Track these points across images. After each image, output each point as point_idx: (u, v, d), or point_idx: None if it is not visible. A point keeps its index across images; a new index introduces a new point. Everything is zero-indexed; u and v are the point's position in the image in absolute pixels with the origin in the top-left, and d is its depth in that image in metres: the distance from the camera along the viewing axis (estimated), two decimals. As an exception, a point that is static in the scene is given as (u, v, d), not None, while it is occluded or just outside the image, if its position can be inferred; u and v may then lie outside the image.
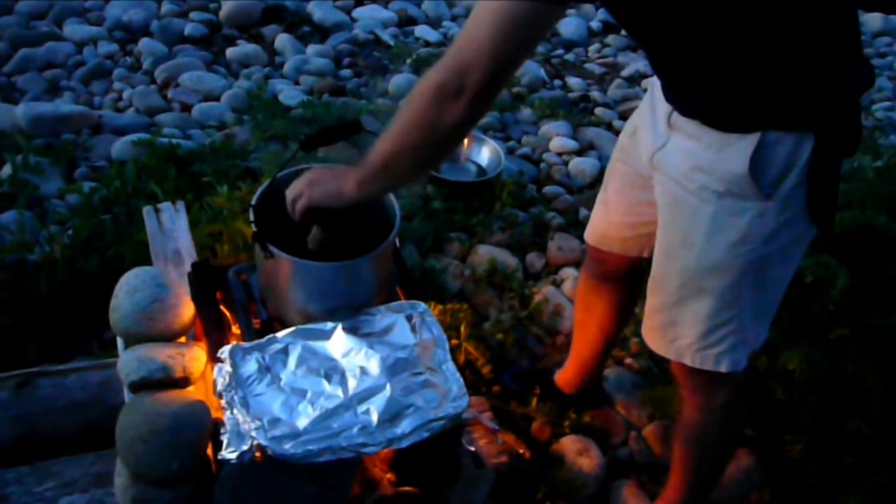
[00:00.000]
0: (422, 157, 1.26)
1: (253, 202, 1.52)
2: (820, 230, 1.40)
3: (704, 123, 1.34)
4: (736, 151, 1.29)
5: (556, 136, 3.48)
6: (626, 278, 1.91)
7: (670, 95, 1.42)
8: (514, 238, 2.84)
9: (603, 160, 3.29)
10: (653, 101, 1.52)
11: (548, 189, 3.16)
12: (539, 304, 2.54)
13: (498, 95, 1.19)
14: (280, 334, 1.52)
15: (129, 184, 2.76)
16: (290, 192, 1.44)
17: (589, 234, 1.88)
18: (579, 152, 3.42)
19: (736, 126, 1.29)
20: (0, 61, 3.89)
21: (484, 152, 3.16)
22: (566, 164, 3.34)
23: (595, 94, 4.04)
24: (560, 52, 4.54)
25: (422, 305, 1.62)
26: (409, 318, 1.58)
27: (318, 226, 1.53)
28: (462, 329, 2.21)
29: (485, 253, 2.71)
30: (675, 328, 1.52)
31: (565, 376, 2.22)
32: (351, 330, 1.53)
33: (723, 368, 1.50)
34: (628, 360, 2.43)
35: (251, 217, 1.50)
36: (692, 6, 1.16)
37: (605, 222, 1.81)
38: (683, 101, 1.39)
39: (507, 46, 1.11)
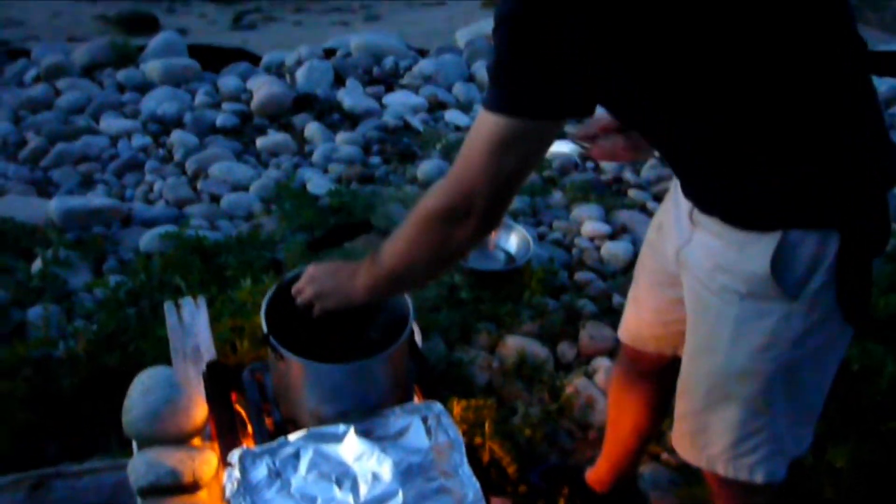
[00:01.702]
0: (431, 271, 1.29)
1: (263, 306, 1.54)
2: (856, 329, 1.35)
3: (724, 221, 1.31)
4: (757, 251, 1.26)
5: (588, 220, 3.49)
6: (662, 376, 1.86)
7: (688, 191, 1.41)
8: (545, 327, 2.82)
9: (637, 244, 3.28)
10: (676, 195, 1.51)
11: (579, 275, 3.15)
12: (570, 396, 2.50)
13: (507, 209, 1.21)
14: (292, 437, 1.51)
15: (154, 277, 2.81)
16: (297, 294, 1.46)
17: (622, 332, 1.85)
18: (612, 236, 3.41)
19: (756, 224, 1.26)
20: (37, 156, 4.06)
21: (513, 239, 3.17)
22: (598, 248, 3.33)
23: (628, 175, 4.06)
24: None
25: (438, 406, 1.60)
26: (424, 420, 1.56)
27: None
28: (486, 426, 2.18)
29: (513, 344, 2.69)
30: (706, 435, 1.47)
31: (597, 474, 2.16)
32: (364, 433, 1.52)
33: (758, 479, 1.44)
34: (665, 457, 2.36)
35: (262, 319, 1.52)
36: (692, 104, 1.17)
37: (637, 320, 1.78)
38: (701, 197, 1.37)
39: (507, 166, 1.13)
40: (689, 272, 1.44)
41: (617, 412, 2.02)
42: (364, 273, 1.36)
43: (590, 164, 4.20)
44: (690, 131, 1.22)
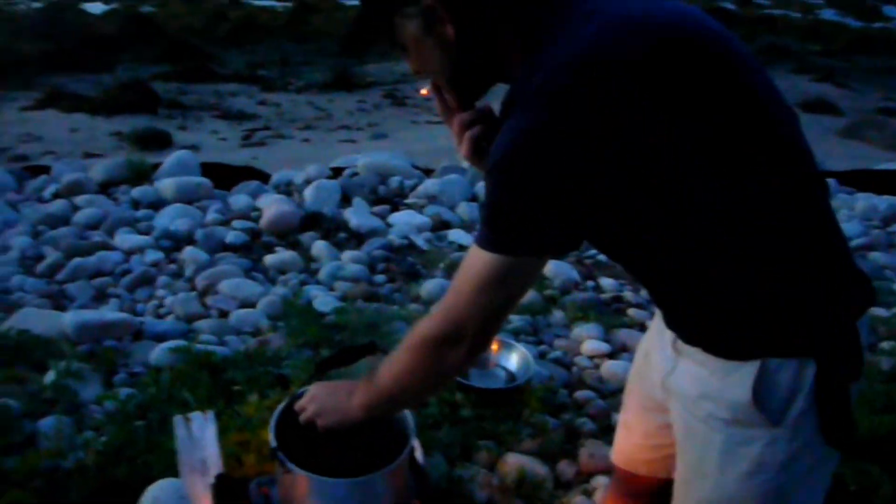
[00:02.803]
0: (424, 392, 1.42)
1: (272, 421, 1.66)
2: (842, 452, 1.41)
3: (706, 351, 1.39)
4: (738, 379, 1.33)
5: (588, 339, 3.61)
6: (656, 499, 1.92)
7: (669, 322, 1.49)
8: (545, 445, 2.90)
9: (634, 363, 3.38)
10: (660, 324, 1.57)
11: (579, 394, 3.25)
12: (568, 515, 2.57)
13: (496, 334, 1.34)
14: (296, 550, 1.61)
15: (164, 391, 2.92)
16: (299, 411, 1.59)
17: (615, 455, 1.91)
18: (612, 355, 3.53)
19: (735, 354, 1.34)
20: (54, 270, 4.24)
21: (513, 357, 3.28)
22: (598, 367, 3.44)
23: (628, 294, 4.20)
24: (593, 252, 4.75)
25: (436, 521, 1.69)
26: (423, 534, 1.66)
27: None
28: (485, 544, 2.25)
29: (514, 461, 2.77)
30: None
31: None
32: (366, 546, 1.61)
33: None
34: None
35: (271, 434, 1.64)
36: (666, 240, 1.29)
37: (628, 444, 1.85)
38: (682, 328, 1.45)
39: (496, 299, 1.28)
40: (675, 400, 1.51)
41: (612, 535, 2.07)
42: (361, 393, 1.49)
43: (590, 283, 4.36)
44: (672, 264, 1.33)
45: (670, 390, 1.52)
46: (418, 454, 2.02)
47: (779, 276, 1.29)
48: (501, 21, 1.31)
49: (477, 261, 1.28)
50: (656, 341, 1.62)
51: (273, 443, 1.62)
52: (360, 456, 1.67)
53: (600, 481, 2.76)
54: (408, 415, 1.72)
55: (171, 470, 2.18)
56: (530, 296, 4.12)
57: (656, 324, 1.66)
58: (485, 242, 1.27)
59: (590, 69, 1.16)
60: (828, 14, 22.32)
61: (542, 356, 3.51)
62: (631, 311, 4.03)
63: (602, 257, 4.71)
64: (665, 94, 1.18)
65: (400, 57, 1.42)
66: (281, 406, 1.72)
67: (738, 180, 1.24)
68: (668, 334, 1.51)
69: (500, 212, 1.25)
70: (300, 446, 1.64)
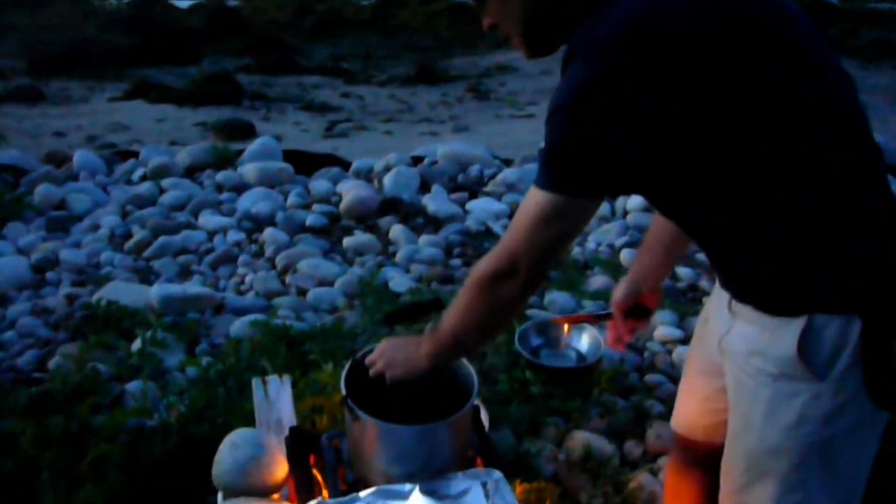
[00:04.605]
0: (486, 330, 1.52)
1: (343, 374, 1.79)
2: (890, 412, 1.46)
3: (757, 308, 1.46)
4: (786, 334, 1.40)
5: (662, 325, 3.65)
6: (714, 465, 1.97)
7: (724, 281, 1.58)
8: (612, 425, 2.97)
9: (709, 350, 3.42)
10: (719, 289, 1.66)
11: (650, 377, 3.30)
12: (634, 490, 2.63)
13: (549, 271, 1.44)
14: (362, 493, 1.72)
15: (243, 360, 3.10)
16: (370, 365, 1.71)
17: (674, 421, 1.99)
18: (684, 341, 3.56)
19: (784, 310, 1.41)
20: (141, 247, 4.50)
21: (584, 339, 3.35)
22: (670, 352, 3.49)
23: (704, 283, 4.22)
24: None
25: (497, 474, 1.79)
26: (484, 485, 1.75)
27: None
28: (547, 506, 2.34)
29: (581, 439, 2.85)
30: None
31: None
32: (428, 492, 1.72)
33: None
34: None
35: (342, 384, 1.77)
36: (727, 195, 1.36)
37: (687, 409, 1.93)
38: (735, 286, 1.53)
39: (548, 235, 1.38)
40: (729, 359, 1.58)
41: (673, 501, 2.15)
42: (427, 341, 1.61)
43: (667, 273, 4.39)
44: (724, 222, 1.41)
45: (725, 351, 1.60)
46: (483, 419, 2.12)
47: (826, 235, 1.36)
48: None
49: (533, 200, 1.38)
50: (715, 306, 1.70)
51: (343, 391, 1.75)
52: (427, 411, 1.79)
53: (666, 461, 2.81)
54: (473, 375, 1.82)
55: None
56: (604, 282, 4.18)
57: (716, 290, 1.73)
58: (542, 182, 1.38)
59: (643, 29, 1.26)
60: (938, 6, 21.47)
61: (614, 340, 3.56)
62: (706, 300, 4.03)
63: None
64: (716, 64, 1.26)
65: (477, 12, 1.53)
66: (349, 363, 1.84)
67: (793, 150, 1.32)
68: (724, 296, 1.59)
69: (557, 153, 1.35)
70: (369, 400, 1.76)
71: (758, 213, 1.36)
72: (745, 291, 1.51)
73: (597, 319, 2.75)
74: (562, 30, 1.45)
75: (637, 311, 2.00)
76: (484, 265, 1.46)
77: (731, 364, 1.59)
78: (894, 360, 1.41)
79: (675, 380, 3.31)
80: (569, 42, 1.42)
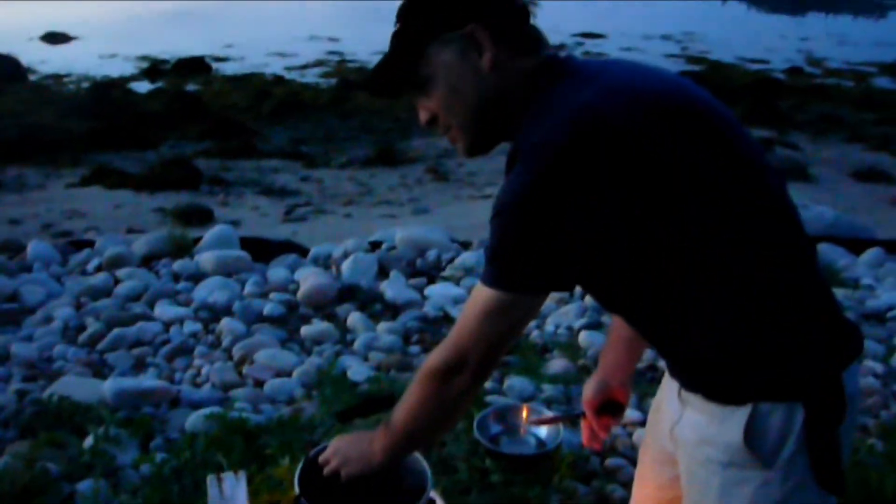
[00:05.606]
0: (438, 423, 1.57)
1: (297, 472, 1.80)
2: (837, 497, 1.49)
3: (706, 398, 1.52)
4: (732, 423, 1.46)
5: (621, 408, 3.68)
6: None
7: (672, 370, 1.64)
8: (573, 512, 2.99)
9: (667, 432, 3.45)
10: (667, 377, 1.73)
11: (610, 461, 3.33)
12: (595, 581, 2.64)
13: (497, 366, 1.49)
14: None
15: (198, 455, 3.08)
16: (324, 464, 1.73)
17: None
18: (644, 423, 3.59)
19: (731, 398, 1.47)
20: (95, 340, 4.47)
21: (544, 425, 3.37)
22: (630, 435, 3.52)
23: (662, 363, 4.27)
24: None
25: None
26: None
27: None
28: None
29: (542, 527, 2.86)
30: None
31: None
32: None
33: None
34: None
35: (296, 483, 1.78)
36: (671, 287, 1.43)
37: (643, 496, 1.97)
38: (683, 375, 1.60)
39: (496, 330, 1.44)
40: (681, 448, 1.63)
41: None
42: (380, 437, 1.65)
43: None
44: (668, 312, 1.47)
45: (677, 440, 1.65)
46: (439, 506, 2.13)
47: (769, 326, 1.43)
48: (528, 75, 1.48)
49: (480, 296, 1.45)
50: (666, 393, 1.75)
51: (297, 490, 1.76)
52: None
53: (629, 549, 2.82)
54: (426, 468, 1.85)
55: (203, 528, 2.32)
56: (563, 365, 4.23)
57: (666, 378, 1.79)
58: (487, 279, 1.44)
59: (584, 129, 1.33)
60: (881, 82, 22.38)
61: (573, 424, 3.59)
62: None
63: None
64: (655, 157, 1.34)
65: (415, 102, 1.56)
66: (303, 461, 1.86)
67: (732, 238, 1.40)
68: (674, 385, 1.65)
69: (500, 252, 1.42)
70: (325, 497, 1.77)
71: (700, 302, 1.43)
72: (692, 380, 1.57)
73: (569, 420, 2.80)
74: (504, 123, 1.52)
75: (609, 408, 2.05)
76: (433, 359, 1.52)
77: (682, 453, 1.63)
78: (837, 445, 1.47)
79: (635, 463, 3.32)
80: (511, 139, 1.49)
